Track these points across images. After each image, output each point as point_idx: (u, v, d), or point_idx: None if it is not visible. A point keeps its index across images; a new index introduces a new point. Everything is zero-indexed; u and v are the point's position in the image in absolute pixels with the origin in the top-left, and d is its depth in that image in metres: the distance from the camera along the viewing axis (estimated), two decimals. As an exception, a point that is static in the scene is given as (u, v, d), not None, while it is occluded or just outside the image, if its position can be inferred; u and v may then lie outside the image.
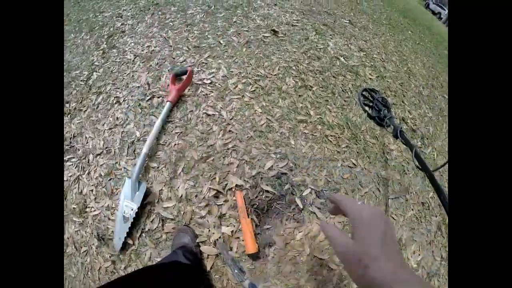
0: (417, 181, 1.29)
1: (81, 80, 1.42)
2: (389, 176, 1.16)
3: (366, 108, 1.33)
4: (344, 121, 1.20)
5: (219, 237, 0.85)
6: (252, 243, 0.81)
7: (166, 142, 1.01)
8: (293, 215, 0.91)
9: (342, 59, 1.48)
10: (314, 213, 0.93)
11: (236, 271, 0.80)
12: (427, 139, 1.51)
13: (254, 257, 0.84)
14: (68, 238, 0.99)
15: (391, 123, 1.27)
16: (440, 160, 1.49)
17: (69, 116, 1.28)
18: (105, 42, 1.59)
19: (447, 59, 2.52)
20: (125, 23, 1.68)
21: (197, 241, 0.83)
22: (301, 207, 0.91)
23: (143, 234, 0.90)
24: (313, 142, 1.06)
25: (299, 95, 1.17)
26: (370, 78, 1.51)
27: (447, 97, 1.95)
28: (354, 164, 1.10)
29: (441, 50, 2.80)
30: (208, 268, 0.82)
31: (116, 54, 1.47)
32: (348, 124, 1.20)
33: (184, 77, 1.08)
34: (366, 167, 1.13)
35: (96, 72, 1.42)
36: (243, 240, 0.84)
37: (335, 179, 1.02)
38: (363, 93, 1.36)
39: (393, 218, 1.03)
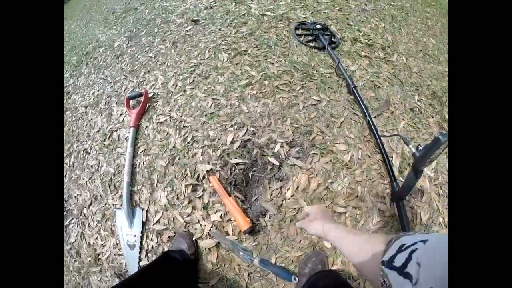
0: (396, 89, 1.22)
1: (54, 151, 1.49)
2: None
3: (310, 44, 1.29)
4: (290, 66, 1.17)
5: (211, 227, 0.85)
6: (244, 219, 0.79)
7: (136, 164, 1.03)
8: (274, 175, 0.90)
9: (269, 13, 1.45)
10: (294, 164, 0.90)
11: (241, 253, 0.78)
12: (389, 47, 1.44)
13: (253, 232, 0.83)
14: None
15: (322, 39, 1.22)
16: (412, 62, 1.42)
17: (57, 186, 1.35)
18: (59, 109, 1.65)
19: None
20: (67, 84, 1.73)
21: (192, 250, 0.81)
22: (278, 164, 0.90)
23: (149, 254, 0.92)
24: (265, 98, 1.05)
25: (236, 64, 1.16)
26: (305, 17, 1.46)
27: (395, 4, 1.86)
28: (318, 100, 1.06)
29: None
30: (214, 261, 0.82)
31: (70, 115, 1.53)
32: (296, 67, 1.17)
33: (141, 99, 1.11)
34: (332, 98, 1.08)
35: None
36: (234, 221, 0.83)
37: (303, 123, 0.99)
38: (296, 31, 1.32)
39: (381, 135, 0.95)
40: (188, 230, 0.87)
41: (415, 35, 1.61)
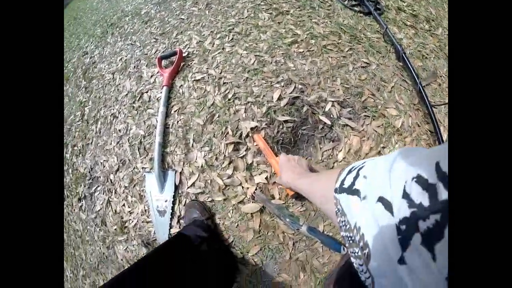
0: (442, 63, 1.12)
1: (77, 121, 1.44)
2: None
3: (355, 8, 1.18)
4: (336, 27, 1.06)
5: (255, 189, 0.76)
6: None
7: (169, 124, 0.95)
8: (325, 134, 0.80)
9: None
10: (347, 124, 0.81)
11: (287, 219, 0.69)
12: (433, 20, 1.31)
13: (300, 197, 0.74)
14: (121, 259, 0.98)
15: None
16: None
17: (80, 155, 1.30)
18: (83, 80, 1.61)
19: None
20: (93, 55, 1.70)
21: (206, 215, 0.76)
22: (329, 123, 0.80)
23: (181, 221, 0.85)
24: (313, 57, 0.94)
25: (279, 23, 1.06)
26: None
27: None
28: (367, 63, 0.97)
29: None
30: (257, 228, 0.74)
31: (97, 82, 1.48)
32: (342, 28, 1.06)
33: (174, 58, 1.04)
34: (381, 62, 1.00)
35: (87, 106, 1.44)
36: (281, 184, 0.74)
37: (353, 84, 0.89)
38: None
39: (433, 104, 0.87)
40: (200, 201, 0.82)
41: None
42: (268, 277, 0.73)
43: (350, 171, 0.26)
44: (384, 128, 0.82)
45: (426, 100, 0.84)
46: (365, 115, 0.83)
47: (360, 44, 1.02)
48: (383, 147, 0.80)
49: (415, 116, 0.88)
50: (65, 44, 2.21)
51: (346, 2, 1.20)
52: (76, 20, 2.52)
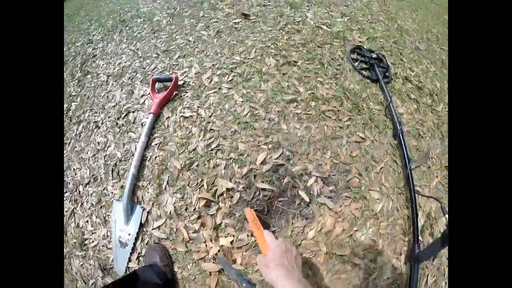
0: (436, 142, 1.12)
1: (62, 114, 1.39)
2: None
3: (363, 72, 1.17)
4: (340, 92, 1.05)
5: (218, 251, 0.74)
6: None
7: (147, 157, 0.92)
8: (300, 211, 0.78)
9: (324, 27, 1.33)
10: (325, 204, 0.79)
11: (244, 285, 0.68)
12: (436, 95, 1.32)
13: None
14: (76, 273, 0.96)
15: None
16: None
17: (56, 152, 1.24)
18: (79, 71, 1.55)
19: (435, 10, 2.27)
20: (96, 47, 1.64)
21: (165, 262, 0.75)
22: (308, 200, 0.78)
23: (140, 259, 0.82)
24: (308, 122, 0.92)
25: (283, 74, 1.04)
26: (360, 41, 1.34)
27: (446, 49, 1.74)
28: (362, 138, 0.95)
29: (427, 3, 2.53)
30: (213, 286, 0.73)
31: (90, 79, 1.43)
32: (346, 94, 1.05)
33: (169, 84, 0.99)
34: (376, 139, 0.98)
35: (74, 102, 1.38)
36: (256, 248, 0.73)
37: (342, 160, 0.87)
38: (352, 55, 1.20)
39: (417, 192, 0.87)
40: (161, 243, 0.80)
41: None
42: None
43: None
44: (362, 211, 0.81)
45: (412, 187, 0.84)
46: (346, 196, 0.82)
47: (360, 115, 1.00)
48: (356, 230, 0.79)
49: (397, 200, 0.88)
50: (76, 24, 2.15)
51: (356, 64, 1.18)
52: (96, 1, 2.45)
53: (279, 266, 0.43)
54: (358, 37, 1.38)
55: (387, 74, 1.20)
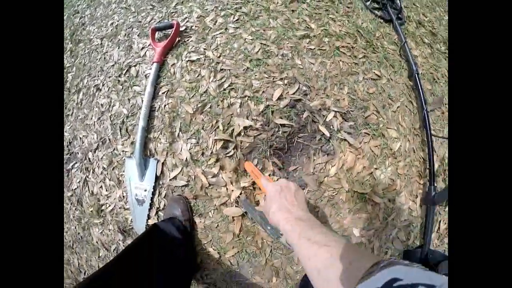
0: None
1: (61, 85, 1.32)
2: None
3: (376, 11, 1.07)
4: (353, 29, 0.96)
5: (240, 193, 0.70)
6: None
7: (155, 107, 0.86)
8: (321, 146, 0.73)
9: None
10: (345, 139, 0.74)
11: (268, 227, 0.66)
12: None
13: None
14: (97, 242, 0.95)
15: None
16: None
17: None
18: (69, 42, 1.45)
19: None
20: (83, 15, 1.52)
21: (187, 216, 0.72)
22: (328, 135, 0.73)
23: (160, 213, 0.80)
24: (323, 57, 0.84)
25: (292, 10, 0.94)
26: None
27: None
28: (378, 76, 0.88)
29: None
30: (237, 232, 0.71)
31: (83, 47, 1.33)
32: (360, 32, 0.96)
33: (170, 31, 0.91)
34: (392, 78, 0.92)
35: (70, 72, 1.30)
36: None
37: (360, 96, 0.81)
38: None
39: (433, 134, 0.82)
40: (182, 194, 0.77)
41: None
42: (242, 277, 0.73)
43: (390, 286, 0.22)
44: (381, 149, 0.77)
45: (428, 128, 0.80)
46: (365, 132, 0.77)
47: (375, 53, 0.93)
48: (376, 168, 0.76)
49: (413, 141, 0.85)
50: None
51: (368, 3, 1.08)
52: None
53: (279, 209, 0.43)
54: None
55: (399, 15, 1.11)
